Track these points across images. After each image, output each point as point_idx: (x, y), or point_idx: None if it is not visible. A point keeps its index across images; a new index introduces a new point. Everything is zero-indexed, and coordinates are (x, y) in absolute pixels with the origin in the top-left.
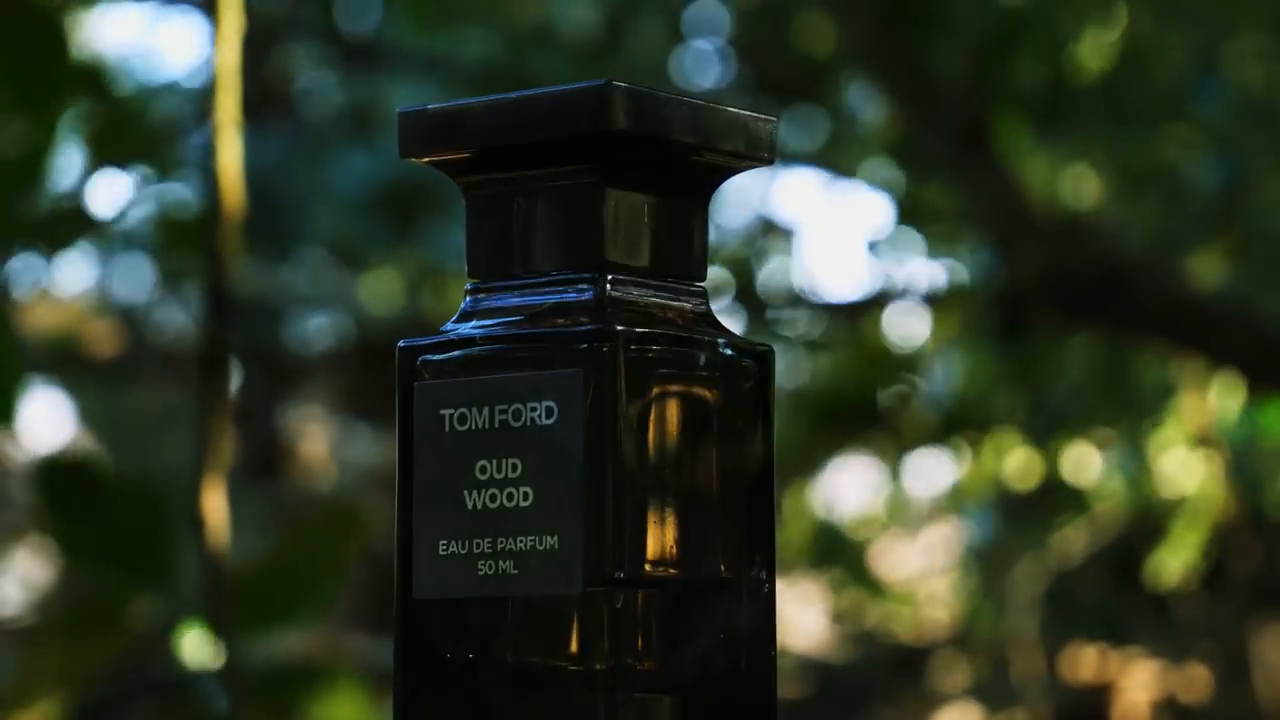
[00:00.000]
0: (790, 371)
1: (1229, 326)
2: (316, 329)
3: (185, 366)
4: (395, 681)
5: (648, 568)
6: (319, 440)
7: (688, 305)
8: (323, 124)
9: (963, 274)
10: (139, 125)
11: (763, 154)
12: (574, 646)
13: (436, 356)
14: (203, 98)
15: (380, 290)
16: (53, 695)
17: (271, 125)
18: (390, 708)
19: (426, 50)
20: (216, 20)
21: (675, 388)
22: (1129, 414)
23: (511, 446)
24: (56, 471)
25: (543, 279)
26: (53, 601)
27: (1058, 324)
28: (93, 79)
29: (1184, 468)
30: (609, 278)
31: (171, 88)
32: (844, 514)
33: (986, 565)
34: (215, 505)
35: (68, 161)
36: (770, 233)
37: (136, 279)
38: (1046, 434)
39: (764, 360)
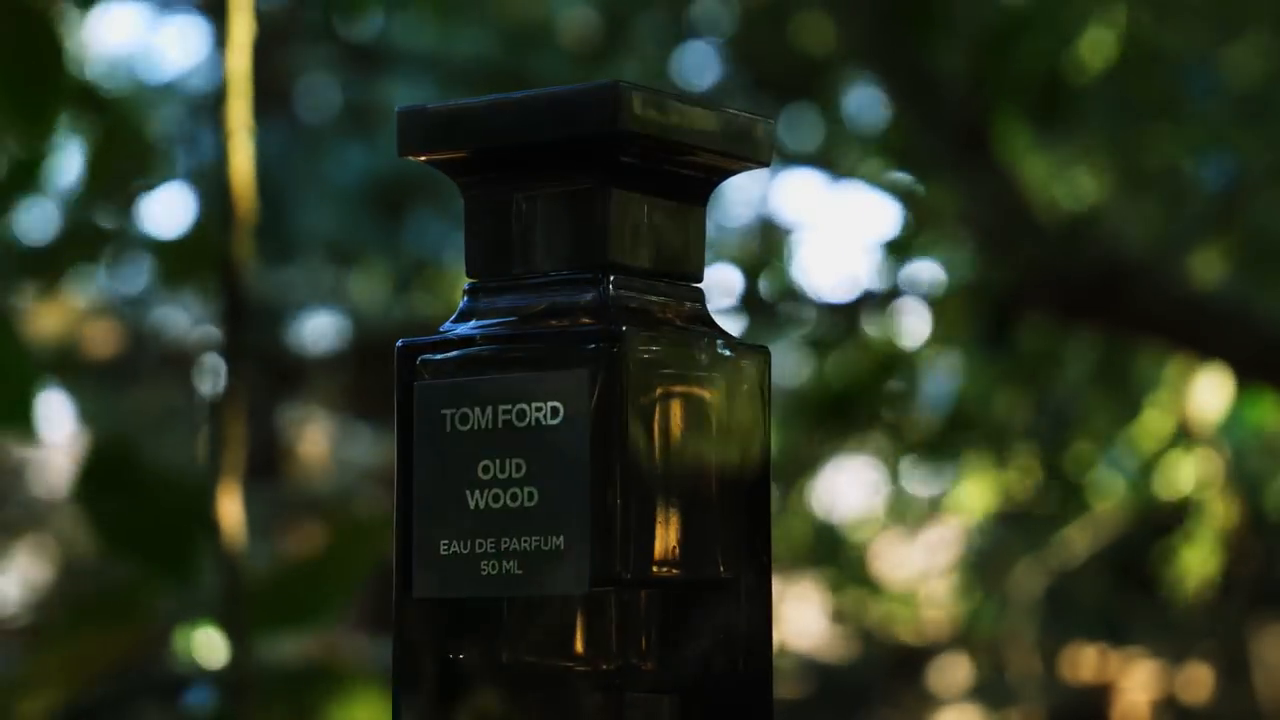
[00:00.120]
0: (790, 371)
1: (1229, 326)
2: (316, 329)
3: (185, 366)
4: (394, 681)
5: (653, 568)
6: (318, 440)
7: (686, 306)
8: (320, 120)
9: (956, 274)
10: (137, 143)
11: (762, 155)
12: (580, 646)
13: (436, 356)
14: (212, 102)
15: (371, 286)
16: (63, 688)
17: (266, 122)
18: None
19: (425, 48)
20: (227, 24)
21: (678, 388)
22: (1129, 414)
23: (515, 446)
24: (100, 457)
25: (544, 279)
26: (53, 601)
27: (1057, 324)
28: (90, 95)
29: (1184, 468)
30: (612, 278)
31: (171, 90)
32: (844, 514)
33: (986, 565)
34: (231, 507)
35: (67, 167)
36: (770, 232)
37: (137, 279)
38: (1047, 434)
39: (761, 361)
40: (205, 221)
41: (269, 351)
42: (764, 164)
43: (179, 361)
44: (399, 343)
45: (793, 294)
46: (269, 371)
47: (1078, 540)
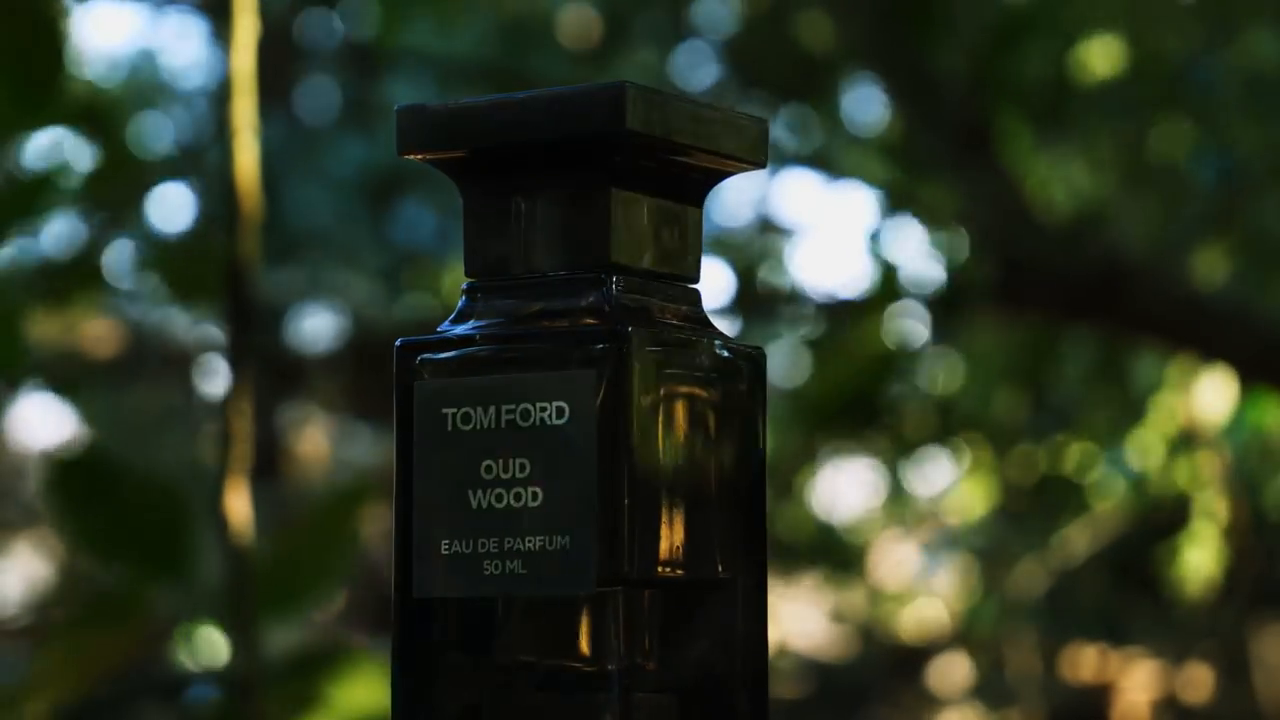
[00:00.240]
0: (790, 371)
1: (1229, 326)
2: (314, 328)
3: (186, 366)
4: (393, 681)
5: (657, 568)
6: (318, 440)
7: (684, 307)
8: (320, 121)
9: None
10: (136, 167)
11: (759, 156)
12: (584, 646)
13: (436, 356)
14: (217, 103)
15: (364, 281)
16: (68, 689)
17: (266, 119)
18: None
19: (424, 47)
20: (231, 25)
21: (680, 389)
22: (1129, 414)
23: (519, 446)
24: (67, 466)
25: (545, 279)
26: (53, 600)
27: (1056, 323)
28: (89, 112)
29: (1185, 468)
30: (614, 279)
31: (171, 92)
32: (843, 514)
33: (986, 565)
34: (239, 505)
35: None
36: (769, 232)
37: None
38: (1047, 434)
39: (757, 361)
40: (208, 225)
41: (268, 351)
42: (759, 165)
43: (179, 361)
44: (398, 342)
45: (791, 294)
46: (268, 371)
47: (1078, 540)
